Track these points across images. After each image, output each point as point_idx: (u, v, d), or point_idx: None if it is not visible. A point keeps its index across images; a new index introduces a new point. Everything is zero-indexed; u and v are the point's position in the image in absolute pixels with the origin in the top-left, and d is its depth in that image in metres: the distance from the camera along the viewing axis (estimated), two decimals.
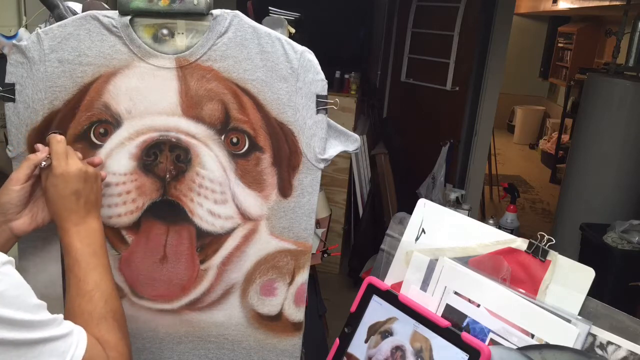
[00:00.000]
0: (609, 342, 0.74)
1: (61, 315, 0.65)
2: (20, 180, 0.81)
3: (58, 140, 0.81)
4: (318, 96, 0.91)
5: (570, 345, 0.74)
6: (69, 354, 0.63)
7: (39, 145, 0.83)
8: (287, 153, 0.93)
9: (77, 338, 0.65)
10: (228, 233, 0.95)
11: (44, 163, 0.80)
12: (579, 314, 0.78)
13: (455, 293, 0.85)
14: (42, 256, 0.94)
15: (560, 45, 7.14)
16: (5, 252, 0.82)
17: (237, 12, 0.90)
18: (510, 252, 0.85)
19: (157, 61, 0.89)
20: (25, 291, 0.61)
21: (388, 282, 0.94)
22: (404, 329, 0.84)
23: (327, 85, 0.92)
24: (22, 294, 0.60)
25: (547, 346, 0.75)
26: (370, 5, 4.21)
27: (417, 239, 0.93)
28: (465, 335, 0.77)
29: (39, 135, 0.90)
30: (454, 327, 0.80)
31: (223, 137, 0.91)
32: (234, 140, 0.92)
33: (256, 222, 0.95)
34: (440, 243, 0.91)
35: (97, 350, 0.69)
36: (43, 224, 0.85)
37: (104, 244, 0.82)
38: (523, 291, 0.82)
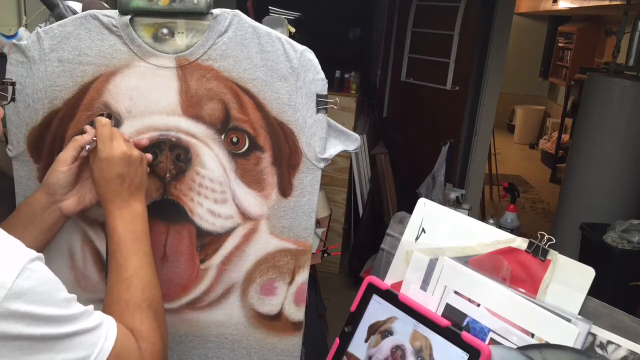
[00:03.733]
0: (609, 342, 0.74)
1: (91, 307, 0.65)
2: (67, 162, 0.82)
3: (103, 123, 0.81)
4: (318, 95, 0.91)
5: (571, 345, 0.74)
6: (98, 346, 0.63)
7: (87, 127, 0.84)
8: (287, 152, 0.93)
9: (106, 330, 0.65)
10: (228, 232, 0.95)
11: (88, 146, 0.81)
12: (579, 314, 0.78)
13: (455, 292, 0.85)
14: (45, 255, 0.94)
15: (560, 44, 7.14)
16: (56, 232, 0.85)
17: (237, 11, 0.90)
18: (510, 251, 0.85)
19: (157, 60, 0.89)
20: (54, 285, 0.61)
21: (388, 281, 0.94)
22: (404, 328, 0.84)
23: (327, 85, 0.92)
24: (50, 288, 0.60)
25: (547, 346, 0.75)
26: (370, 5, 4.21)
27: (417, 238, 0.93)
28: (465, 334, 0.77)
29: (39, 134, 0.90)
30: (454, 326, 0.80)
31: (223, 136, 0.91)
32: (234, 139, 0.92)
33: (256, 221, 0.95)
34: (440, 242, 0.91)
35: (128, 342, 0.69)
36: (91, 205, 0.86)
37: (146, 229, 0.83)
38: (523, 290, 0.82)
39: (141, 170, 0.84)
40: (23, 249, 0.59)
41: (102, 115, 0.86)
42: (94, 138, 0.81)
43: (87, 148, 0.81)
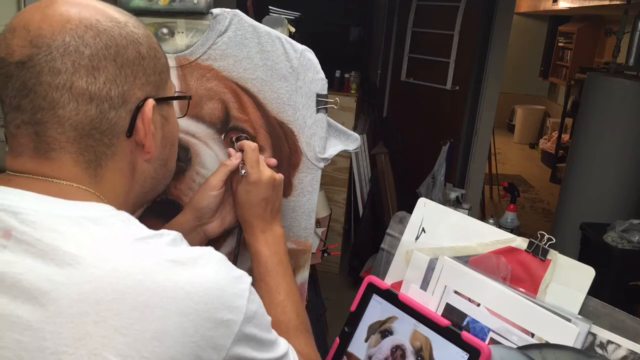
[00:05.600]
0: (609, 341, 0.74)
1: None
2: (218, 186, 0.83)
3: (253, 148, 0.83)
4: (318, 95, 0.91)
5: (571, 345, 0.74)
6: None
7: (232, 150, 0.85)
8: (287, 152, 0.93)
9: (292, 354, 0.65)
10: (228, 232, 0.95)
11: (243, 171, 0.82)
12: (579, 313, 0.78)
13: (456, 292, 0.85)
14: None
15: (560, 44, 7.14)
16: None
17: (237, 11, 0.90)
18: (510, 251, 0.85)
19: None
20: (264, 309, 0.60)
21: (388, 281, 0.94)
22: (404, 328, 0.83)
23: (327, 84, 0.92)
24: (264, 312, 0.60)
25: (547, 345, 0.75)
26: (370, 5, 4.20)
27: (417, 238, 0.93)
28: (465, 334, 0.77)
29: None
30: (454, 326, 0.80)
31: (223, 136, 0.91)
32: (234, 139, 0.92)
33: None
34: (440, 242, 0.91)
35: None
36: (230, 226, 0.88)
37: (287, 251, 0.84)
38: (523, 290, 0.82)
39: (281, 193, 0.86)
40: (239, 270, 0.58)
41: (243, 137, 0.88)
42: (242, 162, 0.83)
43: (242, 173, 0.82)
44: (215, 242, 0.94)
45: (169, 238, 0.55)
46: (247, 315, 0.55)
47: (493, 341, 0.80)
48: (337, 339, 0.91)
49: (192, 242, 0.81)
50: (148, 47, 0.60)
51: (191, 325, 0.50)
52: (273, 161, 0.88)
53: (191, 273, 0.52)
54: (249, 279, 0.58)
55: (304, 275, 0.98)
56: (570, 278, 0.80)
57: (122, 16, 0.59)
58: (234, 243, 0.93)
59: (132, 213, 0.63)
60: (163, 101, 0.64)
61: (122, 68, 0.56)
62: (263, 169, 0.82)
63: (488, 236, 0.88)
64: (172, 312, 0.50)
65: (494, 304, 0.81)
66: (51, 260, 0.49)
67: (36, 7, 0.56)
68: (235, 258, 0.90)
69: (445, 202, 2.61)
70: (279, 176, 0.84)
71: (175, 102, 0.69)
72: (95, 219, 0.53)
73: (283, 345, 0.63)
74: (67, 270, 0.48)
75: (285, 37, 0.90)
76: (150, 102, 0.60)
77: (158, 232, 0.56)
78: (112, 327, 0.48)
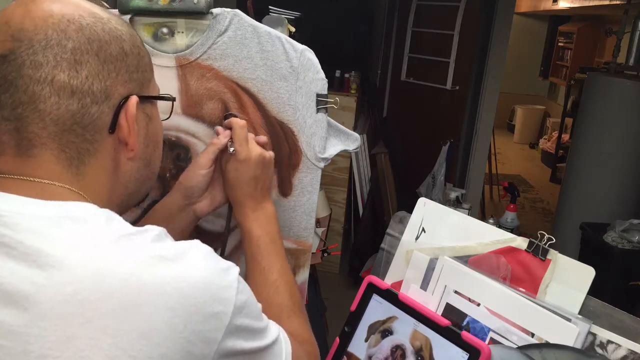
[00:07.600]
0: (609, 341, 0.74)
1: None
2: (207, 165, 0.81)
3: (241, 125, 0.81)
4: (318, 95, 0.91)
5: (571, 344, 0.74)
6: (283, 355, 0.62)
7: (219, 129, 0.84)
8: (287, 152, 0.93)
9: (282, 336, 0.64)
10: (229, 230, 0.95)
11: (232, 149, 0.80)
12: (579, 313, 0.78)
13: (456, 292, 0.85)
14: None
15: (560, 44, 7.14)
16: (189, 233, 0.84)
17: (237, 10, 0.90)
18: (510, 251, 0.85)
19: (157, 60, 0.88)
20: (253, 297, 0.60)
21: (388, 281, 0.94)
22: (404, 328, 0.83)
23: (327, 84, 0.92)
24: (254, 301, 0.59)
25: (547, 345, 0.75)
26: (370, 5, 4.20)
27: (417, 238, 0.93)
28: (465, 334, 0.77)
29: None
30: (454, 326, 0.80)
31: None
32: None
33: None
34: (440, 242, 0.91)
35: (296, 346, 0.67)
36: (220, 205, 0.86)
37: (279, 230, 0.82)
38: (523, 290, 0.82)
39: (271, 171, 0.84)
40: (226, 262, 0.58)
41: (232, 115, 0.85)
42: (231, 140, 0.81)
43: (231, 151, 0.80)
44: (215, 241, 0.95)
45: (153, 234, 0.54)
46: (236, 306, 0.54)
47: (493, 341, 0.80)
48: (337, 339, 0.91)
49: (182, 222, 0.82)
50: (131, 44, 0.60)
51: (180, 320, 0.50)
52: (263, 139, 0.86)
53: (177, 268, 0.52)
54: (237, 269, 0.57)
55: (304, 275, 0.98)
56: (570, 278, 0.80)
57: (105, 14, 0.59)
58: (235, 241, 0.93)
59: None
60: (146, 100, 0.63)
61: (104, 63, 0.56)
62: (252, 146, 0.81)
63: (488, 236, 0.88)
64: (159, 308, 0.49)
65: (494, 304, 0.81)
66: (33, 263, 0.48)
67: (18, 4, 0.55)
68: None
69: (445, 202, 2.61)
70: (269, 154, 0.83)
71: (160, 103, 0.67)
72: (77, 218, 0.52)
73: (274, 330, 0.62)
74: (49, 272, 0.48)
75: (285, 37, 0.90)
76: (134, 99, 0.59)
77: (142, 229, 0.55)
78: (98, 328, 0.47)
